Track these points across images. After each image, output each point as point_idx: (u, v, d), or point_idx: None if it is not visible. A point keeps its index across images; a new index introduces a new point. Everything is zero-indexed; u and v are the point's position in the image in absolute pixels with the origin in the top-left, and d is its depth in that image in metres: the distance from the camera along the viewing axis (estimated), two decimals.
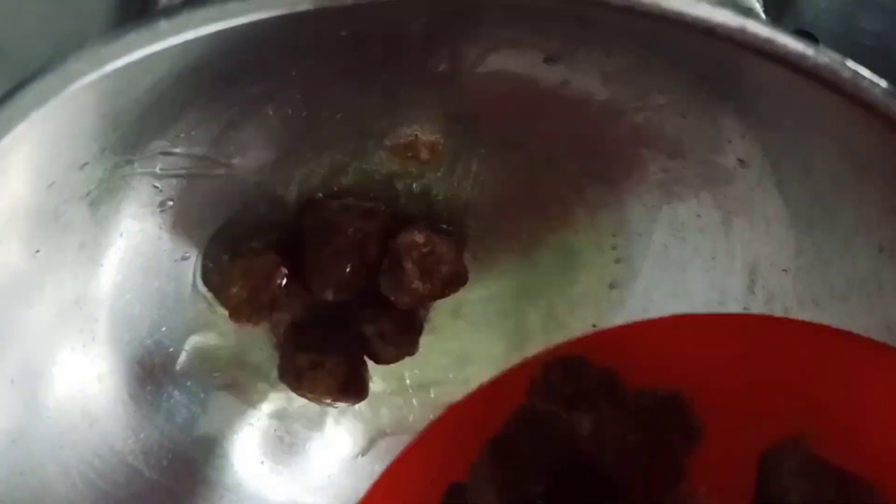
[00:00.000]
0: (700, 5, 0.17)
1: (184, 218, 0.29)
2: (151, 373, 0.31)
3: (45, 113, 0.17)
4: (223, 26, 0.16)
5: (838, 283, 0.27)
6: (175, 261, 0.30)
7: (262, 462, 0.34)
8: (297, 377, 0.31)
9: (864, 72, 0.17)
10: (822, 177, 0.23)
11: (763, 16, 0.31)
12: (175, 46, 0.17)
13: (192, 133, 0.26)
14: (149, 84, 0.21)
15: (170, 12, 0.16)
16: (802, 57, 0.17)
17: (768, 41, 0.17)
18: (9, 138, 0.18)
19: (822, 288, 0.28)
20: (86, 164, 0.23)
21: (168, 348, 0.31)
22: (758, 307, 0.30)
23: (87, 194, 0.25)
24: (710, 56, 0.20)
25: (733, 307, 0.31)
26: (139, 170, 0.26)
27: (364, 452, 0.35)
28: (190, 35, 0.16)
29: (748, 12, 0.31)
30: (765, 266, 0.29)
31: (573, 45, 0.23)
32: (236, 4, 0.16)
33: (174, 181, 0.27)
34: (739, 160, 0.26)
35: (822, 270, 0.27)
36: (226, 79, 0.24)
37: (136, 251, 0.28)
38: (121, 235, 0.28)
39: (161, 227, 0.29)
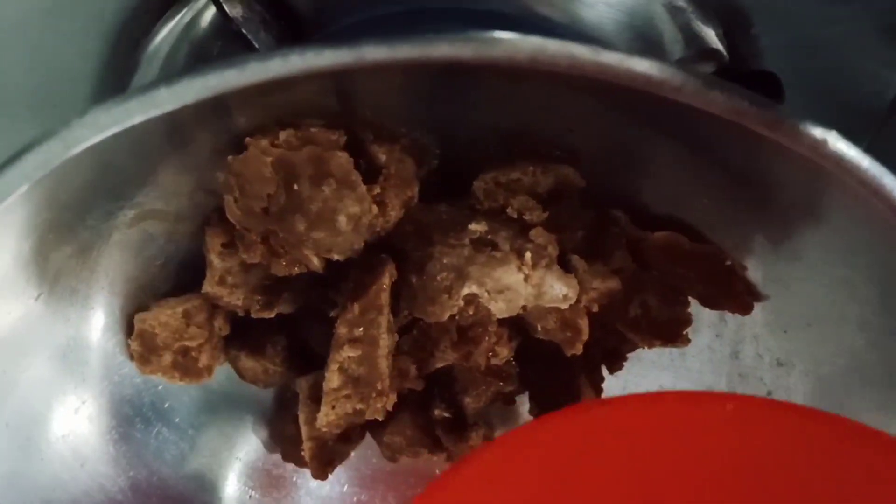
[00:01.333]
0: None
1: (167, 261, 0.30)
2: (140, 411, 0.31)
3: (47, 175, 0.18)
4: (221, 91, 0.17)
5: (804, 313, 0.28)
6: None
7: (251, 496, 0.35)
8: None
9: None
10: (786, 223, 0.25)
11: (727, 56, 0.33)
12: (168, 114, 0.17)
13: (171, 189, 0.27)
14: (141, 146, 0.22)
15: (169, 80, 0.17)
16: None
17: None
18: (11, 199, 0.18)
19: (789, 317, 0.29)
20: (79, 214, 0.24)
21: (157, 386, 0.32)
22: (729, 334, 0.32)
23: (78, 241, 0.26)
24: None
25: (704, 334, 0.32)
26: (127, 216, 0.27)
27: (350, 483, 0.36)
28: (190, 101, 0.17)
29: (713, 53, 0.33)
30: None
31: None
32: (232, 72, 0.17)
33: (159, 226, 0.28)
34: None
35: (788, 301, 0.29)
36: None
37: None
38: (108, 278, 0.28)
39: (145, 271, 0.29)
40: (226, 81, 0.17)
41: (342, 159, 0.24)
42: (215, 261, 0.27)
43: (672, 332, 0.29)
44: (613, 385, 0.33)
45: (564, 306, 0.26)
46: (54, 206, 0.23)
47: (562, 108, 0.25)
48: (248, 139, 0.24)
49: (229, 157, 0.25)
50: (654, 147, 0.25)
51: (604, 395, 0.33)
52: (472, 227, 0.26)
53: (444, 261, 0.25)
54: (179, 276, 0.30)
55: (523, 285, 0.25)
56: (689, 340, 0.29)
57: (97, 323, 0.28)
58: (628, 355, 0.33)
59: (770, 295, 0.28)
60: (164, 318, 0.28)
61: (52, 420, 0.28)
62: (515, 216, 0.26)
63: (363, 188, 0.25)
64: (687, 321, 0.29)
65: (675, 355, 0.33)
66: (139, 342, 0.29)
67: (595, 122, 0.25)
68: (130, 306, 0.29)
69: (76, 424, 0.29)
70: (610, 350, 0.33)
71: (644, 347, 0.30)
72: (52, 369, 0.27)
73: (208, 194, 0.28)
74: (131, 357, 0.29)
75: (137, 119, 0.17)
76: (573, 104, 0.24)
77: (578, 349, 0.28)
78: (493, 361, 0.29)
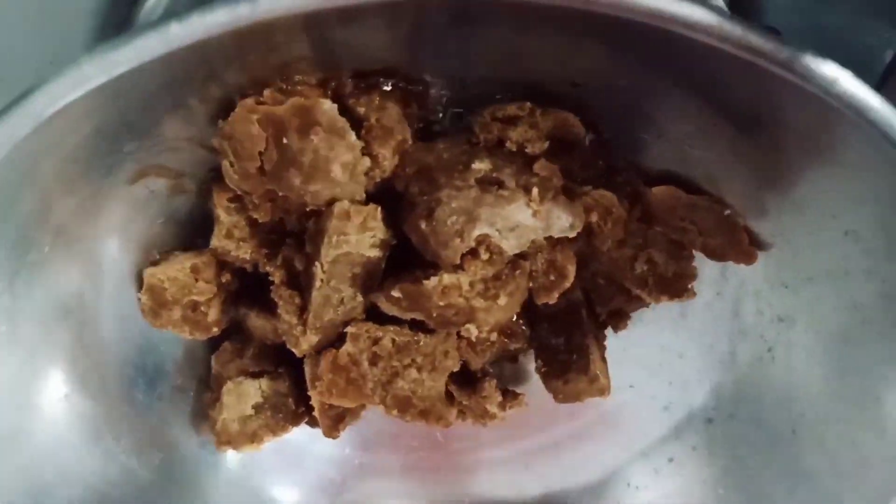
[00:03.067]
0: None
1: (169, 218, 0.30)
2: (144, 372, 0.31)
3: (53, 118, 0.18)
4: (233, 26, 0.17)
5: (806, 267, 0.28)
6: None
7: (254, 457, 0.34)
8: None
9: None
10: (792, 171, 0.25)
11: (727, 12, 0.32)
12: (185, 49, 0.17)
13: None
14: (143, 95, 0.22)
15: (180, 15, 0.17)
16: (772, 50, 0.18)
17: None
18: (20, 140, 0.18)
19: (791, 272, 0.29)
20: (82, 166, 0.24)
21: (158, 347, 0.32)
22: (730, 292, 0.32)
23: (82, 194, 0.25)
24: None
25: (704, 293, 0.32)
26: (129, 171, 0.27)
27: (353, 445, 0.36)
28: (201, 37, 0.17)
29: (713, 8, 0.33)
30: None
31: None
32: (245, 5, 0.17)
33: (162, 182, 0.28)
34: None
35: (790, 256, 0.29)
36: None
37: None
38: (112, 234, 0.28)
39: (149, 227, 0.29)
40: (237, 17, 0.17)
41: (326, 105, 0.24)
42: (222, 215, 0.27)
43: (678, 286, 0.29)
44: (615, 345, 0.34)
45: (572, 235, 0.26)
46: (59, 156, 0.23)
47: (568, 60, 0.25)
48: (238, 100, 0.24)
49: (220, 122, 0.25)
50: (662, 97, 0.25)
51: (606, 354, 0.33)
52: (476, 165, 0.26)
53: (454, 204, 0.25)
54: (184, 234, 0.30)
55: (532, 220, 0.25)
56: (695, 294, 0.29)
57: (101, 279, 0.28)
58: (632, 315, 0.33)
59: (773, 245, 0.28)
60: (173, 272, 0.28)
61: (52, 379, 0.28)
62: (515, 149, 0.26)
63: (353, 135, 0.25)
64: (692, 275, 0.29)
65: (676, 314, 0.34)
66: (149, 296, 0.29)
67: (602, 72, 0.25)
68: (137, 262, 0.29)
69: (77, 385, 0.29)
70: (615, 310, 0.33)
71: (651, 303, 0.30)
72: (54, 328, 0.27)
73: (209, 151, 0.27)
74: (142, 312, 0.29)
75: (147, 56, 0.17)
76: (580, 55, 0.24)
77: (553, 298, 0.28)
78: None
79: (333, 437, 0.31)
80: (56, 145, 0.22)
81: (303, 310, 0.27)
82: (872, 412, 0.27)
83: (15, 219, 0.23)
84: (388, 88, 0.26)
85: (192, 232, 0.30)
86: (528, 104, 0.26)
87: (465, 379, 0.31)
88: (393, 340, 0.28)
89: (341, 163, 0.25)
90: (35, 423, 0.28)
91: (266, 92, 0.24)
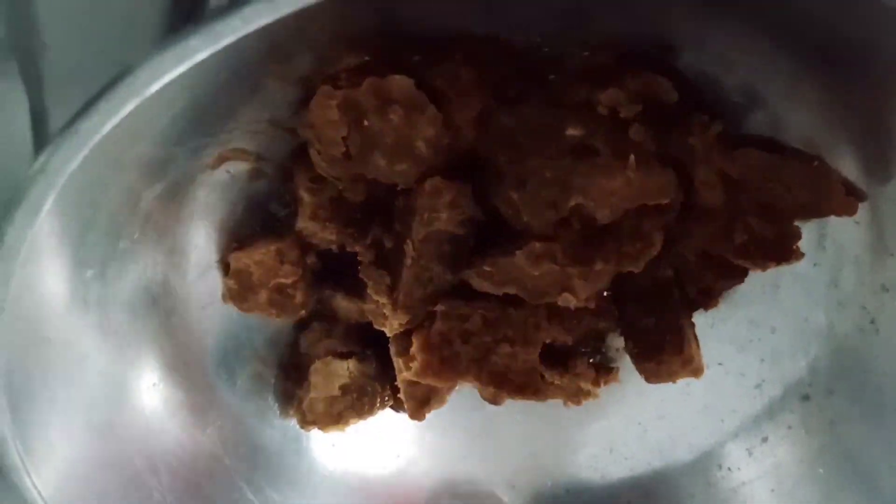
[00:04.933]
0: None
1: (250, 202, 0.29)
2: (225, 361, 0.31)
3: (140, 107, 0.17)
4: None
5: None
6: None
7: (334, 444, 0.34)
8: None
9: None
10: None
11: None
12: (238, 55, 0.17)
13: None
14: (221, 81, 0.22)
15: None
16: None
17: None
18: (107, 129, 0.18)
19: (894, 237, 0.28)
20: (169, 150, 0.24)
21: (238, 335, 0.31)
22: (828, 261, 0.31)
23: (168, 179, 0.25)
24: None
25: (799, 264, 0.31)
26: (211, 155, 0.26)
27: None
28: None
29: None
30: (834, 221, 0.29)
31: None
32: None
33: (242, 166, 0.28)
34: None
35: (893, 220, 0.27)
36: None
37: None
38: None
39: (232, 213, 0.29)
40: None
41: (401, 81, 0.24)
42: (305, 196, 0.27)
43: (784, 248, 0.27)
44: (700, 322, 0.32)
45: (665, 201, 0.25)
46: (146, 141, 0.22)
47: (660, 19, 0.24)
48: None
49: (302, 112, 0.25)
50: (754, 56, 0.24)
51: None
52: (570, 132, 0.25)
53: (547, 174, 0.25)
54: (265, 219, 0.29)
55: (627, 188, 0.24)
56: (802, 255, 0.28)
57: (186, 266, 0.28)
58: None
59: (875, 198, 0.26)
60: (259, 256, 0.28)
61: (143, 368, 0.28)
62: (607, 112, 0.25)
63: (432, 108, 0.24)
64: (796, 235, 0.27)
65: (768, 287, 0.32)
66: (235, 280, 0.28)
67: (695, 32, 0.24)
68: (220, 249, 0.28)
69: (165, 373, 0.29)
70: (705, 288, 0.32)
71: (760, 271, 0.29)
72: (143, 315, 0.27)
73: (288, 133, 0.27)
74: (228, 296, 0.29)
75: (226, 41, 0.16)
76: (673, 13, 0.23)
77: (640, 266, 0.27)
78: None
79: (419, 420, 0.30)
80: (146, 129, 0.21)
81: (392, 289, 0.27)
82: None
83: (107, 206, 0.23)
84: (459, 56, 0.25)
85: (272, 217, 0.29)
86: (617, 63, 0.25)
87: (555, 359, 0.30)
88: (483, 316, 0.27)
89: (424, 138, 0.25)
90: (125, 414, 0.27)
91: (342, 75, 0.24)
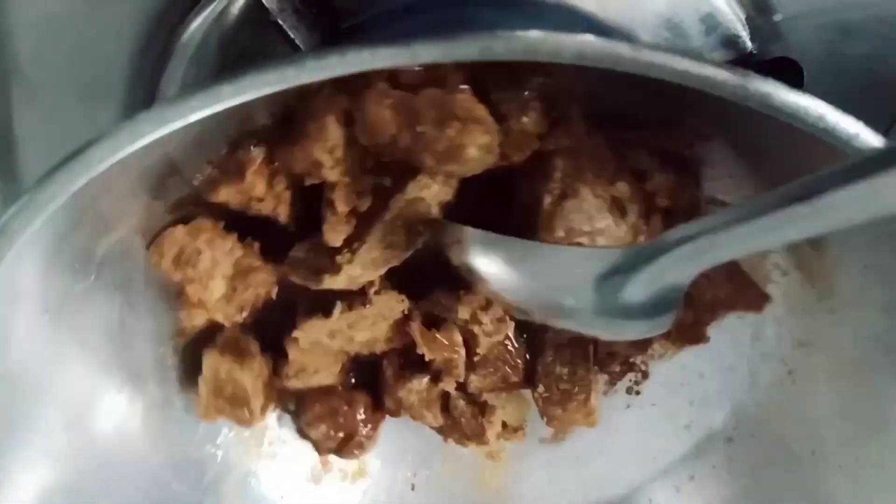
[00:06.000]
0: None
1: None
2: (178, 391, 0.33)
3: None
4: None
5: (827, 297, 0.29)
6: None
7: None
8: None
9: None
10: None
11: (749, 45, 0.33)
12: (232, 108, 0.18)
13: None
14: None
15: (231, 77, 0.18)
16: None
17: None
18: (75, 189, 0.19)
19: (812, 300, 0.30)
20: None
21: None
22: (752, 316, 0.33)
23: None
24: None
25: (732, 315, 0.33)
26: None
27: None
28: (251, 97, 0.18)
29: (735, 40, 0.33)
30: None
31: None
32: (291, 69, 0.18)
33: None
34: None
35: (810, 286, 0.29)
36: None
37: None
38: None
39: None
40: (284, 78, 0.18)
41: (466, 102, 0.24)
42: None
43: (696, 333, 0.31)
44: None
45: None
46: (107, 198, 0.24)
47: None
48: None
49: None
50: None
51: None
52: (620, 186, 0.26)
53: (584, 205, 0.26)
54: None
55: (624, 240, 0.27)
56: (709, 338, 0.32)
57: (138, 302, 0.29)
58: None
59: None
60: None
61: (102, 401, 0.29)
62: (647, 193, 0.27)
63: (491, 119, 0.24)
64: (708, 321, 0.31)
65: None
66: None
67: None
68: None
69: (123, 406, 0.30)
70: (611, 353, 0.34)
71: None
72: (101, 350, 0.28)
73: None
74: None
75: (199, 115, 0.18)
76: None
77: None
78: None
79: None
80: (105, 191, 0.23)
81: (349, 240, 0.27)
82: (893, 435, 0.28)
83: (68, 251, 0.24)
84: (532, 91, 0.25)
85: None
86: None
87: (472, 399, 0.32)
88: None
89: (478, 145, 0.25)
90: (82, 444, 0.29)
91: (403, 75, 0.24)
